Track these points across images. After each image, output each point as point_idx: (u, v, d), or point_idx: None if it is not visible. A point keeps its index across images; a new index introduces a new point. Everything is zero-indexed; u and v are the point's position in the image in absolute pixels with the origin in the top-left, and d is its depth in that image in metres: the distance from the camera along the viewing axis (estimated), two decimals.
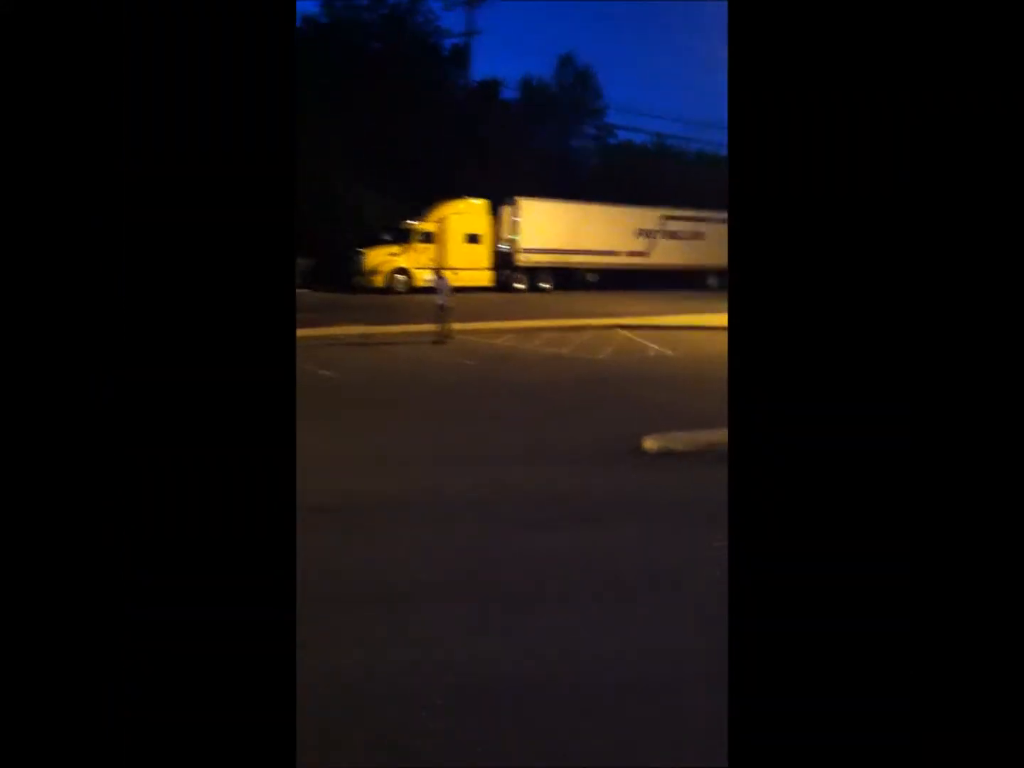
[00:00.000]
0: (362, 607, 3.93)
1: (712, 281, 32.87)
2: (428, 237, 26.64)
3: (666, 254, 32.06)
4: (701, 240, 32.74)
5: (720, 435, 7.03)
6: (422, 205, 27.80)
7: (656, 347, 14.53)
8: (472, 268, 27.14)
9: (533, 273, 28.84)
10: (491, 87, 41.32)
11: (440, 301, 15.01)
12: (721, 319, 19.11)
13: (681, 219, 32.57)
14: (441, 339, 14.49)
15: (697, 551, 4.63)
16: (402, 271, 26.05)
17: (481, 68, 42.75)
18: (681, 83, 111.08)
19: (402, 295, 25.23)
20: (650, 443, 6.89)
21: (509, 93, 44.87)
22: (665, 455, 6.77)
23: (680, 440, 6.96)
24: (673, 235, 32.34)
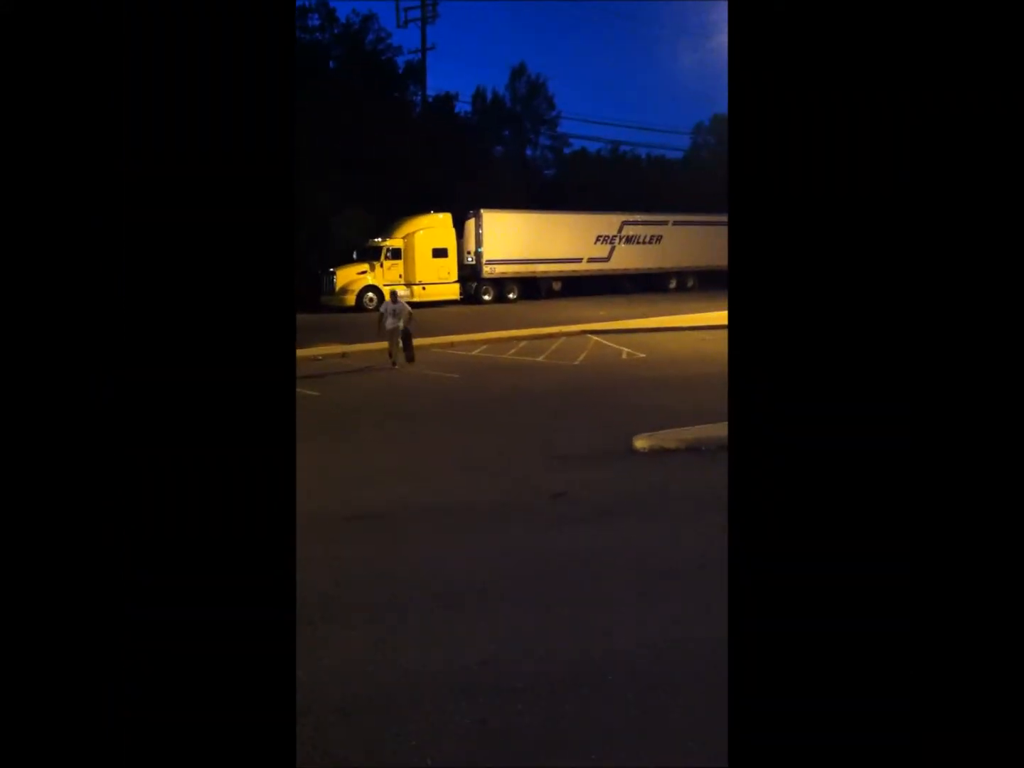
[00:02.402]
0: (432, 607, 4.23)
1: (672, 283, 33.69)
2: (396, 253, 27.01)
3: (626, 259, 32.76)
4: (659, 243, 33.51)
5: (705, 430, 7.59)
6: (387, 220, 28.13)
7: (627, 350, 15.03)
8: (440, 282, 27.58)
9: (499, 284, 29.36)
10: (446, 101, 41.85)
11: (391, 326, 14.02)
12: (684, 320, 19.80)
13: (638, 224, 33.27)
14: (397, 362, 13.89)
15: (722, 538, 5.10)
16: (372, 289, 26.37)
17: (435, 82, 43.10)
18: (630, 90, 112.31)
19: (372, 313, 25.43)
20: (641, 442, 7.36)
21: (463, 106, 45.40)
22: (657, 452, 7.27)
23: (669, 438, 7.47)
24: (631, 240, 33.03)
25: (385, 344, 14.35)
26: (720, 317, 20.41)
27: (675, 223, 33.96)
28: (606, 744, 3.04)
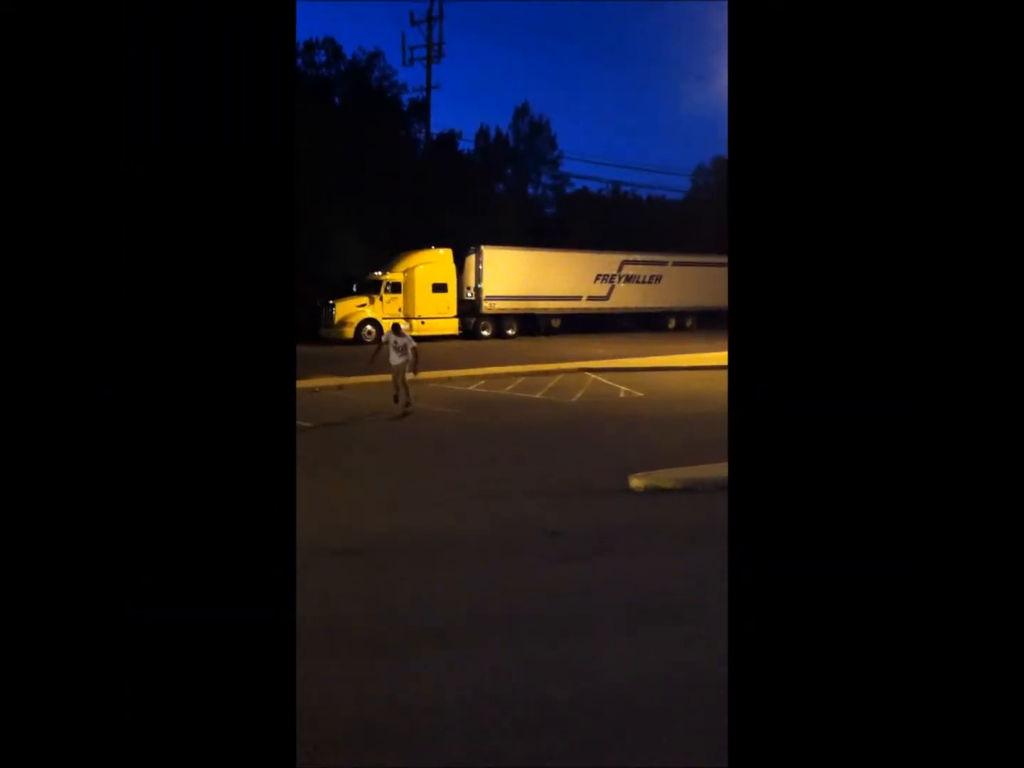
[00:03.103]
0: (423, 642, 4.20)
1: (671, 323, 33.81)
2: (396, 287, 27.14)
3: (625, 297, 32.93)
4: (658, 283, 33.70)
5: (702, 470, 7.54)
6: (388, 255, 28.33)
7: (625, 388, 15.04)
8: (439, 316, 27.68)
9: (498, 320, 29.45)
10: (450, 138, 42.38)
11: (397, 362, 12.10)
12: (683, 359, 19.84)
13: (638, 263, 33.50)
14: (405, 410, 12.06)
15: (711, 574, 5.17)
16: (372, 322, 26.45)
17: (439, 120, 43.80)
18: (632, 131, 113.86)
19: (370, 345, 25.54)
20: (637, 481, 7.34)
21: (466, 144, 45.99)
22: (653, 492, 7.24)
23: (665, 477, 7.45)
24: (631, 279, 33.22)
25: (387, 377, 12.84)
26: (719, 358, 20.45)
27: (675, 263, 34.19)
28: None
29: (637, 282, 33.35)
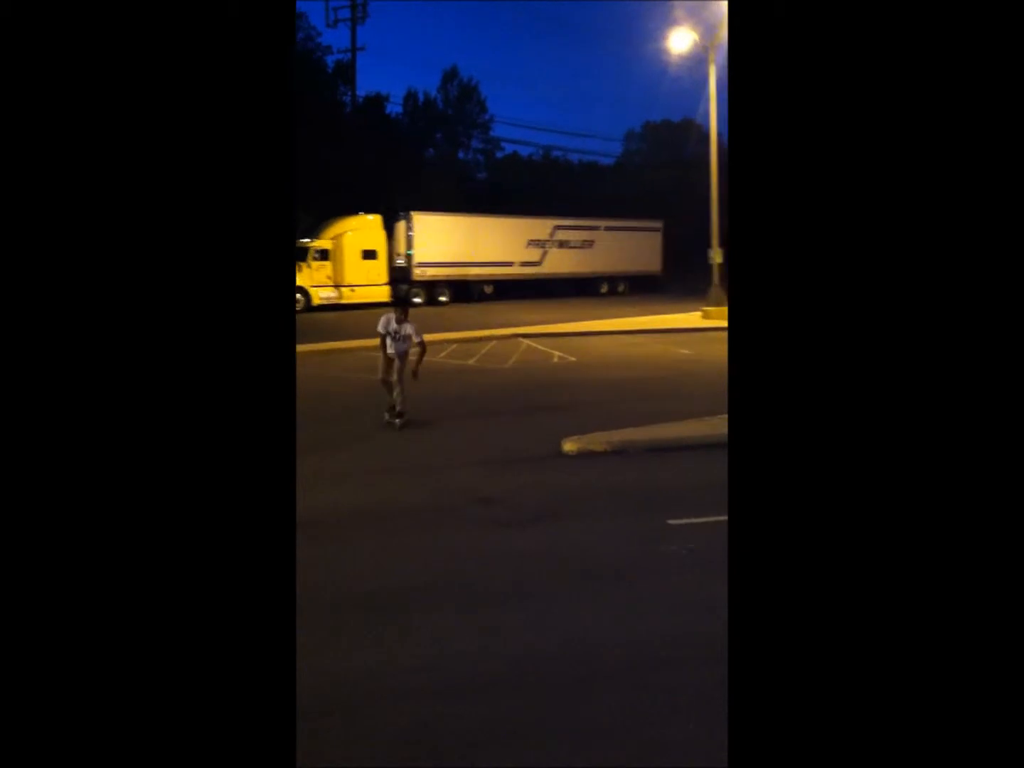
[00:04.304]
0: (364, 612, 4.16)
1: (603, 288, 33.92)
2: (324, 254, 26.51)
3: (558, 263, 32.89)
4: (591, 248, 33.72)
5: (632, 433, 7.55)
6: (316, 221, 27.63)
7: (559, 354, 15.04)
8: (369, 284, 27.17)
9: (430, 287, 29.09)
10: (377, 102, 41.42)
11: (394, 350, 8.83)
12: (615, 324, 19.96)
13: (571, 228, 33.45)
14: (398, 416, 8.88)
15: (656, 532, 5.21)
16: (299, 290, 25.83)
17: (365, 83, 42.67)
18: (563, 96, 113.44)
19: (300, 314, 25.02)
20: (569, 445, 7.33)
21: (394, 108, 45.07)
22: (585, 455, 7.23)
23: (597, 440, 7.45)
24: (564, 244, 33.18)
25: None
26: (650, 322, 20.64)
27: (607, 228, 34.24)
28: (544, 741, 3.03)
29: (570, 247, 33.32)
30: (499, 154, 52.72)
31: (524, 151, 55.51)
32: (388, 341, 8.92)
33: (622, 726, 3.14)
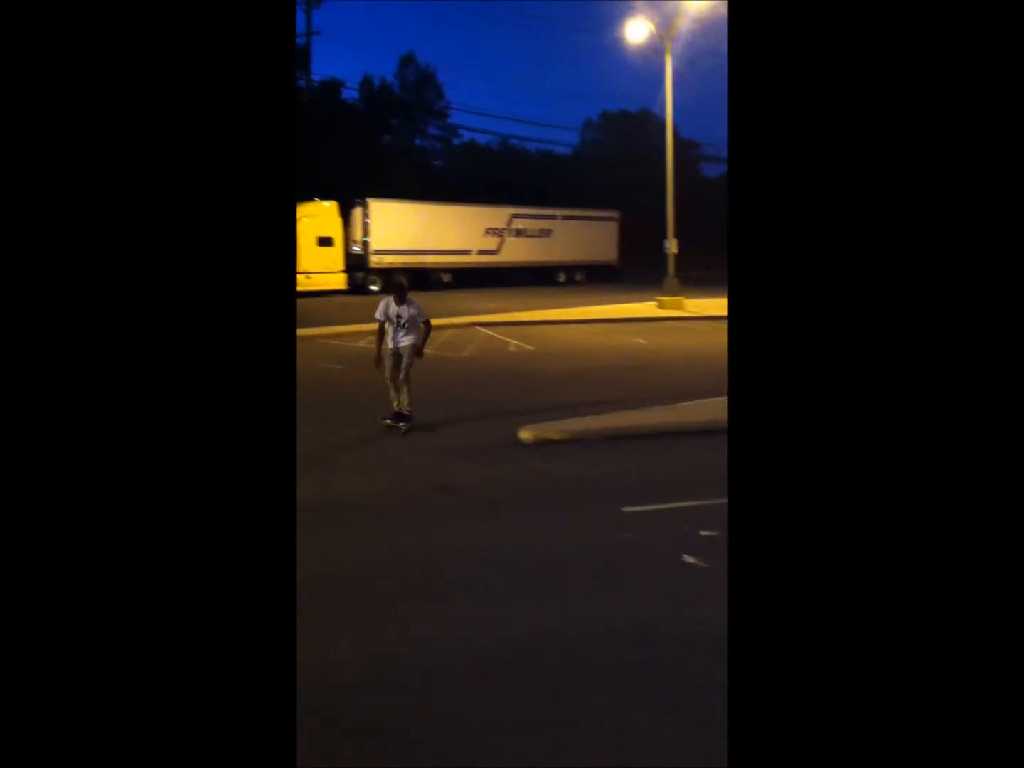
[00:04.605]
0: (315, 603, 4.08)
1: (561, 277, 34.03)
2: None
3: (515, 252, 32.89)
4: (548, 237, 33.79)
5: (589, 422, 7.62)
6: None
7: (515, 342, 15.06)
8: (325, 271, 26.89)
9: (387, 274, 28.86)
10: (333, 87, 40.90)
11: (399, 345, 7.90)
12: (572, 313, 20.05)
13: (528, 217, 33.46)
14: (403, 420, 7.94)
15: (612, 520, 5.28)
16: None
17: (321, 68, 42.12)
18: (521, 85, 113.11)
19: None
20: (526, 434, 7.37)
21: (350, 93, 44.51)
22: (542, 444, 7.28)
23: (553, 429, 7.50)
24: (521, 233, 33.18)
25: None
26: (607, 311, 20.78)
27: (564, 218, 34.33)
28: (517, 734, 3.02)
29: (527, 236, 33.34)
30: (456, 141, 52.48)
31: (482, 139, 55.38)
32: (390, 330, 7.90)
33: (594, 718, 3.16)
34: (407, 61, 50.64)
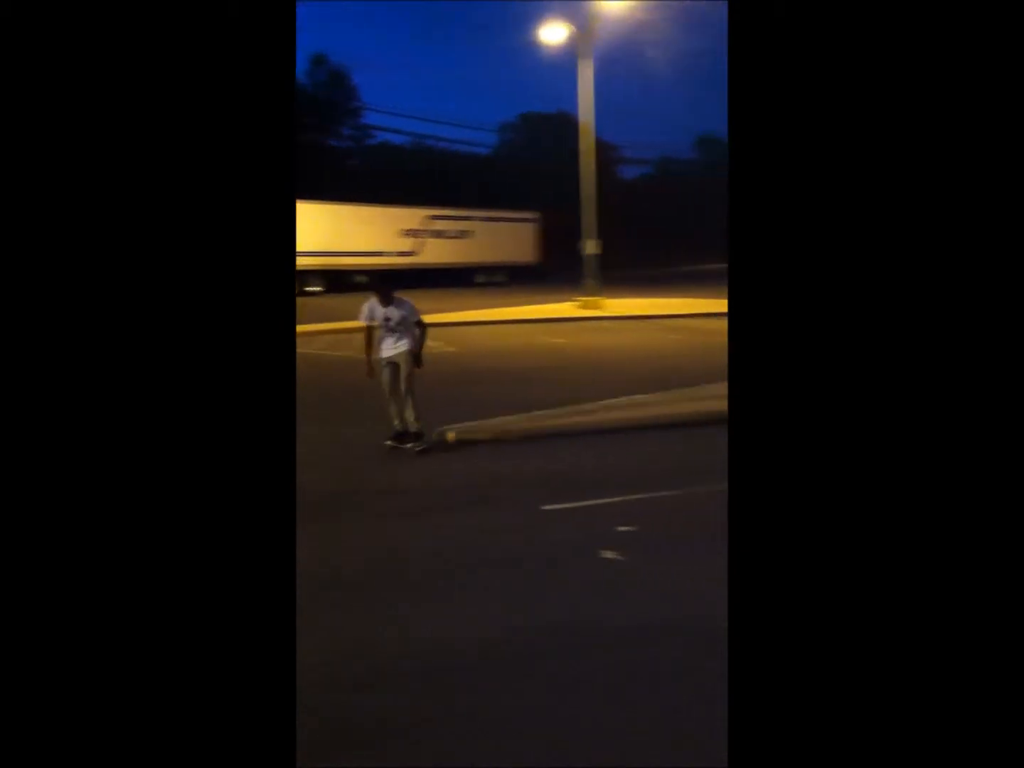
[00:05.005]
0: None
1: (481, 278, 34.01)
2: None
3: (433, 253, 32.75)
4: (468, 239, 33.75)
5: (510, 421, 7.57)
6: None
7: (436, 344, 14.94)
8: None
9: (302, 276, 28.34)
10: None
11: (393, 351, 6.96)
12: (493, 314, 20.03)
13: (446, 218, 33.36)
14: (415, 438, 6.97)
15: (533, 519, 5.26)
16: None
17: None
18: (437, 86, 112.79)
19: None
20: (450, 434, 7.27)
21: None
22: (465, 443, 7.19)
23: (475, 429, 7.43)
24: (440, 234, 33.06)
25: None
26: (528, 311, 20.83)
27: (484, 219, 34.36)
28: (462, 732, 2.96)
29: (446, 237, 33.24)
30: (370, 142, 51.93)
31: (397, 139, 54.88)
32: (383, 336, 6.93)
33: (535, 716, 3.11)
34: (319, 61, 49.89)
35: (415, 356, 6.94)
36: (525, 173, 48.03)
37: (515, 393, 9.78)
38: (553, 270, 34.67)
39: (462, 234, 33.70)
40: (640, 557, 4.61)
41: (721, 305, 20.69)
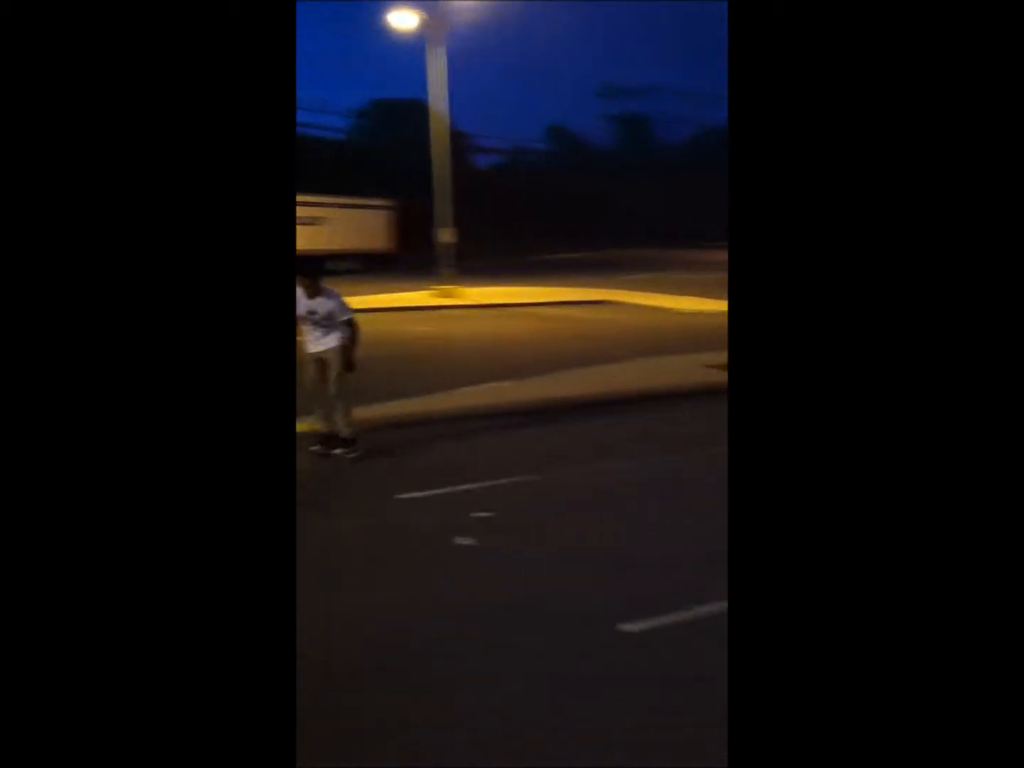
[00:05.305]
0: None
1: (335, 266, 33.38)
2: None
3: None
4: (321, 225, 33.00)
5: (370, 412, 7.53)
6: None
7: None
8: None
9: None
10: None
11: (321, 347, 6.36)
12: (349, 302, 19.63)
13: (297, 204, 32.48)
14: (344, 444, 6.40)
15: (382, 509, 5.23)
16: None
17: None
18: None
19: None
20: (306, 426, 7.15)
21: None
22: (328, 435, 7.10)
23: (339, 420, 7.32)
24: None
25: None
26: (385, 300, 20.64)
27: (336, 205, 33.67)
28: (407, 728, 2.84)
29: (298, 224, 32.36)
30: None
31: None
32: (309, 330, 6.29)
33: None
34: None
35: (348, 362, 6.32)
36: (380, 160, 47.42)
37: (376, 382, 9.74)
38: (408, 259, 34.47)
39: (315, 221, 32.90)
40: (494, 541, 4.72)
41: (574, 293, 21.35)
